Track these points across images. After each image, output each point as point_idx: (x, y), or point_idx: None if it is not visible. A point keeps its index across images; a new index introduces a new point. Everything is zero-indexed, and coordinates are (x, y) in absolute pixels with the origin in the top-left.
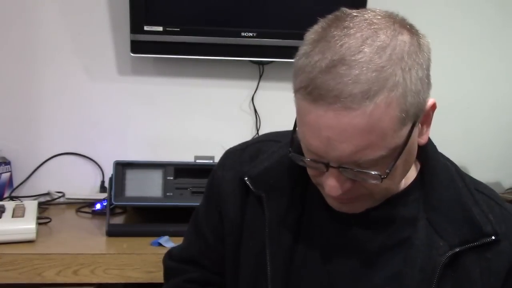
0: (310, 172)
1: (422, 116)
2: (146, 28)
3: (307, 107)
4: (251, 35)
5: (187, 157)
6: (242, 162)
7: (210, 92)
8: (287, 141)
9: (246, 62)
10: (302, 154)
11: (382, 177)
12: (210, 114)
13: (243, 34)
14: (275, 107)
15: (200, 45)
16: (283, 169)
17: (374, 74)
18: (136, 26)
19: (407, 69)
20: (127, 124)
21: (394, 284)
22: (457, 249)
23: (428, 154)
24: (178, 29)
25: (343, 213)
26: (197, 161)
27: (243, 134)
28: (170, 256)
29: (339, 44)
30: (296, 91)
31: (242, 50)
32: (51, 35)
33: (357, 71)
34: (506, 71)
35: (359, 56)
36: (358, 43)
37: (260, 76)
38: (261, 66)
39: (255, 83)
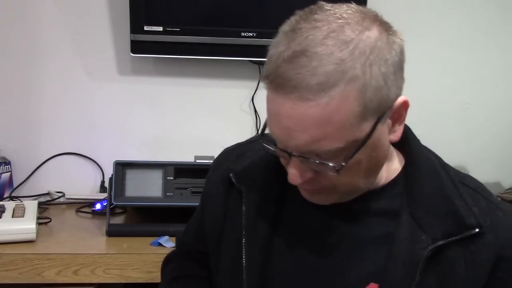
0: (281, 161)
1: (390, 113)
2: (146, 28)
3: (270, 96)
4: (251, 35)
5: (187, 157)
6: (230, 160)
7: (210, 92)
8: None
9: (246, 62)
10: (275, 144)
11: (337, 169)
12: (210, 114)
13: (243, 34)
14: None
15: (200, 45)
16: (265, 164)
17: (332, 67)
18: (136, 26)
19: (367, 63)
20: (127, 124)
21: (377, 279)
22: (440, 242)
23: (411, 149)
24: (178, 29)
25: (324, 206)
26: (197, 161)
27: (243, 134)
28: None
29: (305, 36)
30: (262, 80)
31: (242, 50)
32: (51, 35)
33: (316, 63)
34: (506, 71)
35: (321, 49)
36: (322, 36)
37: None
38: (261, 66)
39: (255, 83)
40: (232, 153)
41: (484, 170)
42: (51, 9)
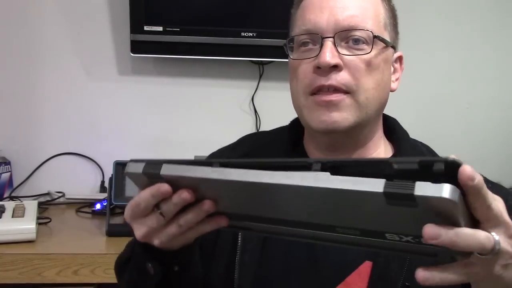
0: (302, 70)
1: (393, 58)
2: (146, 28)
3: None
4: (251, 35)
5: (187, 157)
6: (225, 153)
7: (210, 92)
8: (265, 134)
9: (246, 62)
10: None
11: (374, 34)
12: (210, 114)
13: (243, 34)
14: (275, 107)
15: (200, 45)
16: (259, 156)
17: None
18: (136, 26)
19: None
20: (127, 124)
21: (371, 256)
22: None
23: (399, 137)
24: (178, 29)
25: None
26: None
27: (243, 134)
28: None
29: None
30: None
31: (242, 50)
32: (51, 35)
33: None
34: (506, 71)
35: None
36: None
37: (260, 76)
38: (261, 66)
39: (255, 83)
40: (227, 148)
41: (484, 170)
42: (51, 10)
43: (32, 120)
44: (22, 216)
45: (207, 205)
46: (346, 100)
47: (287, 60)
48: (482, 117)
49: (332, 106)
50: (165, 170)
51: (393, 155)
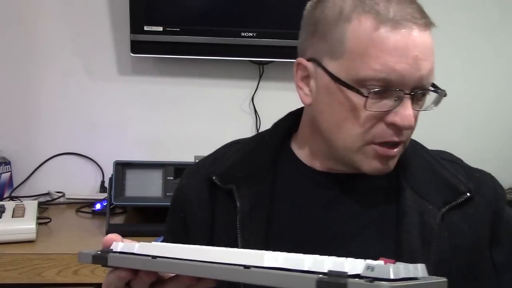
0: (369, 118)
1: None
2: (146, 28)
3: (387, 34)
4: (251, 35)
5: (187, 157)
6: (206, 166)
7: (210, 92)
8: (247, 141)
9: (246, 62)
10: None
11: (444, 94)
12: (210, 114)
13: (243, 34)
14: (275, 107)
15: (200, 45)
16: (249, 163)
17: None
18: (136, 26)
19: None
20: (127, 124)
21: (390, 253)
22: (444, 209)
23: None
24: (178, 29)
25: (324, 189)
26: (197, 161)
27: (243, 134)
28: None
29: None
30: (377, 23)
31: (242, 50)
32: (51, 35)
33: (417, 5)
34: (506, 71)
35: None
36: None
37: (260, 76)
38: (261, 66)
39: (255, 83)
40: (205, 161)
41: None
42: (51, 9)
43: (32, 120)
44: (22, 216)
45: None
46: (400, 148)
47: (287, 60)
48: (482, 117)
49: (390, 158)
50: (111, 261)
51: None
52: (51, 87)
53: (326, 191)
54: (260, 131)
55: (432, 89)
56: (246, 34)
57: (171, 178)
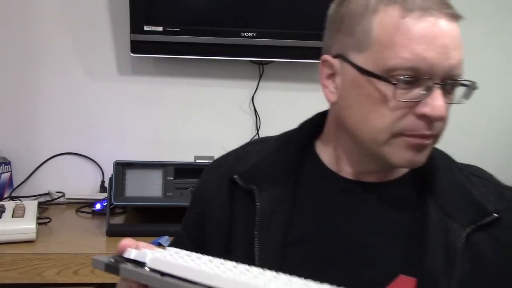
0: (397, 109)
1: None
2: (146, 28)
3: (414, 22)
4: (251, 35)
5: (187, 157)
6: (227, 164)
7: (210, 92)
8: (272, 140)
9: (246, 62)
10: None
11: (475, 86)
12: (210, 114)
13: (243, 34)
14: (275, 107)
15: (200, 45)
16: (272, 163)
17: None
18: (136, 26)
19: None
20: (127, 124)
21: (412, 270)
22: (469, 229)
23: None
24: (178, 29)
25: (348, 196)
26: (197, 161)
27: (243, 134)
28: None
29: None
30: (403, 12)
31: (242, 50)
32: (51, 35)
33: None
34: (506, 71)
35: None
36: None
37: (260, 76)
38: (261, 66)
39: (255, 83)
40: (227, 158)
41: None
42: (51, 9)
43: (32, 120)
44: (22, 216)
45: None
46: (433, 140)
47: (287, 60)
48: (483, 117)
49: (422, 148)
50: (123, 272)
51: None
52: (51, 87)
53: (349, 198)
54: (260, 131)
55: (463, 79)
56: (246, 34)
57: (171, 178)
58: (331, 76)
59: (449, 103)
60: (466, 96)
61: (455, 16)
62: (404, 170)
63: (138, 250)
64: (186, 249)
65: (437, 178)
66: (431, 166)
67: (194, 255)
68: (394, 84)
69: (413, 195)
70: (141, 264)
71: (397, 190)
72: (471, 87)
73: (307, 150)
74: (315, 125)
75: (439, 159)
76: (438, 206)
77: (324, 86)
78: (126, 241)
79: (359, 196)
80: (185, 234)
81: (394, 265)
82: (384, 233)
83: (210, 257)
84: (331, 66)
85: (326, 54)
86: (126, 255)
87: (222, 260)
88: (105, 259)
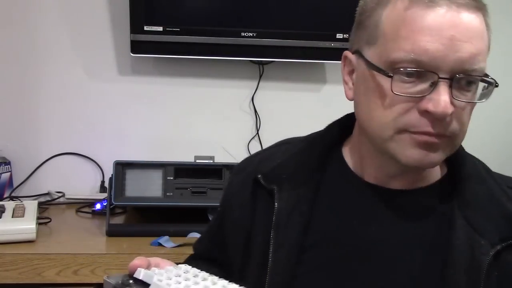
0: (400, 104)
1: None
2: (146, 28)
3: (420, 13)
4: (251, 35)
5: (187, 157)
6: (253, 165)
7: (210, 92)
8: (298, 141)
9: (246, 62)
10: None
11: (495, 84)
12: (210, 114)
13: (243, 34)
14: (275, 107)
15: (200, 45)
16: (296, 164)
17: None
18: (136, 26)
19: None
20: (127, 124)
21: (431, 283)
22: (499, 247)
23: (457, 151)
24: (178, 29)
25: (369, 202)
26: (197, 161)
27: (243, 134)
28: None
29: None
30: (396, 10)
31: (242, 50)
32: (51, 35)
33: None
34: (506, 71)
35: None
36: None
37: (260, 76)
38: (261, 66)
39: (255, 83)
40: (254, 159)
41: None
42: (51, 9)
43: (32, 120)
44: (22, 216)
45: None
46: (445, 141)
47: (287, 60)
48: (483, 118)
49: (431, 147)
50: None
51: (446, 167)
52: (51, 87)
53: (371, 204)
54: (260, 131)
55: (476, 75)
56: (246, 34)
57: (171, 178)
58: (351, 72)
59: (463, 101)
60: (485, 95)
61: (472, 6)
62: (434, 178)
63: (147, 269)
64: (206, 249)
65: (468, 188)
66: (463, 176)
67: (201, 275)
68: (390, 76)
69: (441, 205)
70: (147, 286)
71: (423, 199)
72: (488, 83)
73: (333, 152)
74: (342, 127)
75: (473, 168)
76: (465, 220)
77: (344, 82)
78: (137, 261)
79: (381, 202)
80: (207, 235)
81: (412, 275)
82: (404, 242)
83: (215, 278)
84: (350, 62)
85: (348, 50)
86: (135, 275)
87: (225, 283)
88: (114, 280)
